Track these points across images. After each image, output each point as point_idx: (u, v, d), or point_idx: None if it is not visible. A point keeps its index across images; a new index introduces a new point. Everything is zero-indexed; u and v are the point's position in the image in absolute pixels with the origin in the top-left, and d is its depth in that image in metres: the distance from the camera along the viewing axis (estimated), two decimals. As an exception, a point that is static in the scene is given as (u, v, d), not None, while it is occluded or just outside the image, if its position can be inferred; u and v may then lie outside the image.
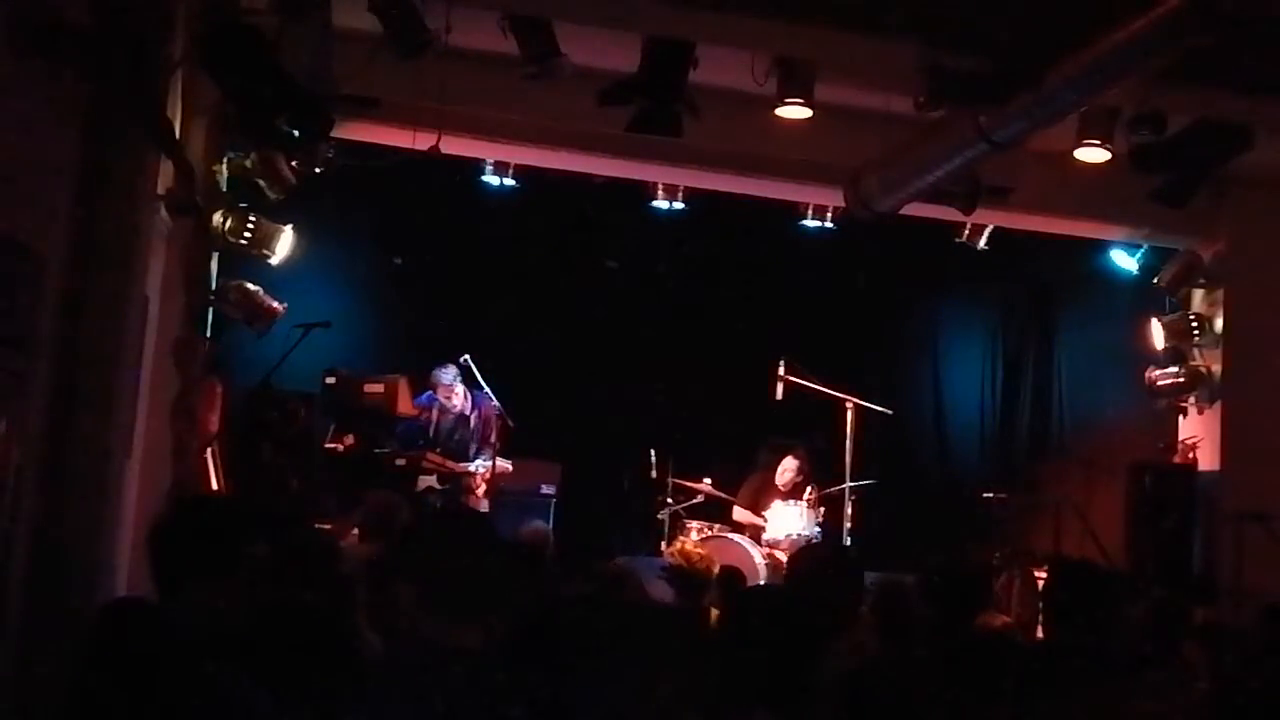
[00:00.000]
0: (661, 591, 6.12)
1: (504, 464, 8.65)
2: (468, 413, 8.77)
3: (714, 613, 5.22)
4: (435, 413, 8.72)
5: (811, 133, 7.09)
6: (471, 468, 8.61)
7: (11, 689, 4.18)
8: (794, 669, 2.30)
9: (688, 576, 5.25)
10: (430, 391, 8.74)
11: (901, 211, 7.67)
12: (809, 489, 9.11)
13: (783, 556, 8.72)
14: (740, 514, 9.23)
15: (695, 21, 6.20)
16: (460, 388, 8.71)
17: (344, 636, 2.76)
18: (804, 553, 5.44)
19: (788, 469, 9.15)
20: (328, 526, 6.67)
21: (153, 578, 2.79)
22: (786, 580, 4.75)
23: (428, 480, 8.47)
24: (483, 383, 8.68)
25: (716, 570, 5.59)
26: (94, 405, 4.77)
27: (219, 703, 2.50)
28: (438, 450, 8.57)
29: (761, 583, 7.84)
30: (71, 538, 4.65)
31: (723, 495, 9.32)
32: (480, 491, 8.66)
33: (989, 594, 5.48)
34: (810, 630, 2.36)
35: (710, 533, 8.81)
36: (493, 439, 8.73)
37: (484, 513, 7.65)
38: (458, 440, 8.73)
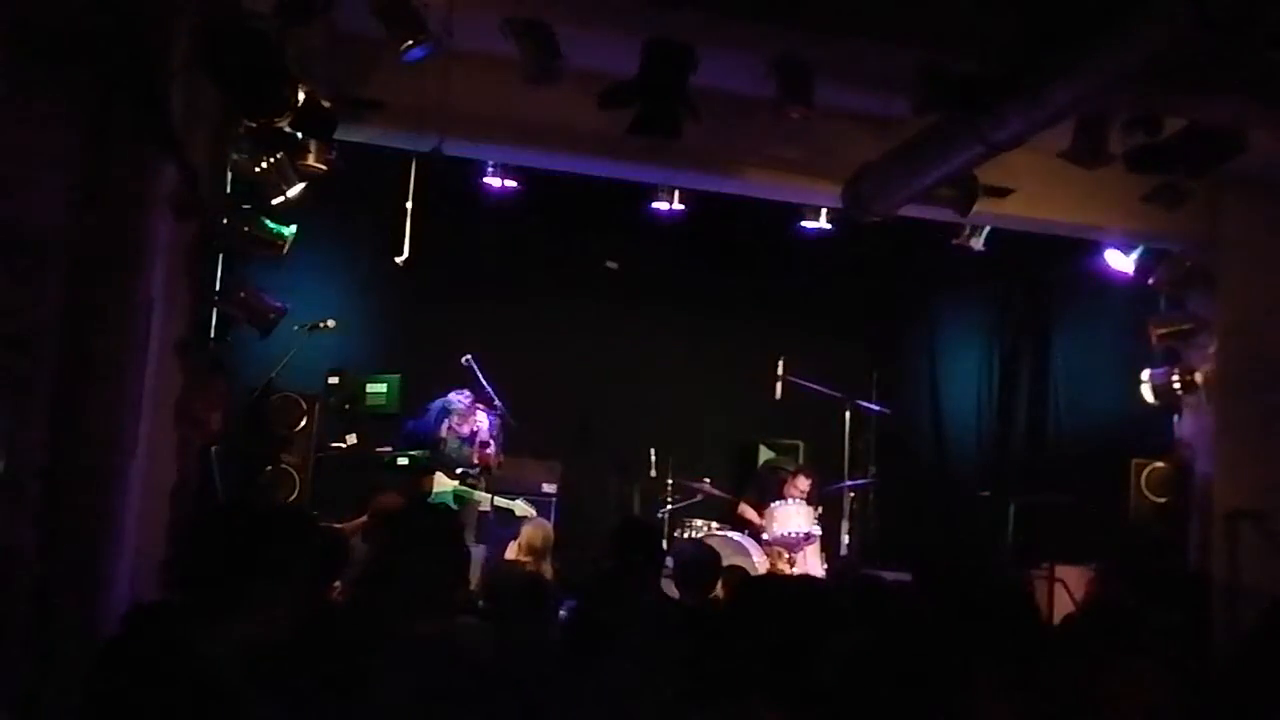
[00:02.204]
0: (661, 588, 6.15)
1: (527, 509, 8.59)
2: (476, 432, 8.80)
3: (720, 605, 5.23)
4: (445, 429, 8.74)
5: (810, 135, 7.13)
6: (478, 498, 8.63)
7: (21, 690, 4.20)
8: (796, 661, 2.33)
9: (699, 567, 5.24)
10: (443, 403, 8.76)
11: (899, 212, 7.74)
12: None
13: (780, 553, 8.79)
14: (747, 510, 9.27)
15: (695, 25, 6.24)
16: (474, 415, 8.73)
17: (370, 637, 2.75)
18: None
19: (804, 490, 9.10)
20: (335, 526, 6.72)
21: (179, 586, 2.68)
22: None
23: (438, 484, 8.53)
24: (485, 383, 8.73)
25: (722, 563, 5.60)
26: (99, 406, 4.79)
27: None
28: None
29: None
30: (76, 538, 4.66)
31: (723, 495, 9.36)
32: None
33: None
34: (812, 623, 2.39)
35: (709, 530, 8.85)
36: (492, 457, 8.76)
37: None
38: (464, 457, 8.77)
